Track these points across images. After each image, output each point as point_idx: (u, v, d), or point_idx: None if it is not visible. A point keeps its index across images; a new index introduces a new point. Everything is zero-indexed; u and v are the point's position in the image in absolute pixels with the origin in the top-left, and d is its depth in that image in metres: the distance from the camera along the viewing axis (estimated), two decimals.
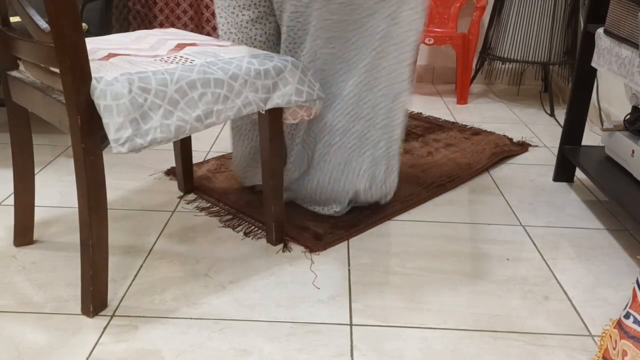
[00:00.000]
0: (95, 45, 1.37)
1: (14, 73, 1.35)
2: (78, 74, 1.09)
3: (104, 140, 1.16)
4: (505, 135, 2.47)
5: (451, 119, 2.72)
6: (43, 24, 1.15)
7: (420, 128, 2.53)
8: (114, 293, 1.34)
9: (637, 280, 1.07)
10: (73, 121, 1.13)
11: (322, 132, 1.60)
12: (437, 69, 3.38)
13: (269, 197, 1.52)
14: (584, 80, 1.96)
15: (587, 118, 2.18)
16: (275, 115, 1.43)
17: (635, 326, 1.03)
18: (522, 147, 2.36)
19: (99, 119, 1.13)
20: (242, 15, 1.53)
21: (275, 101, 1.37)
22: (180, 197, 1.83)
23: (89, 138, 1.15)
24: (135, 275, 1.42)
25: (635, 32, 1.55)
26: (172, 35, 1.52)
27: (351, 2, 1.44)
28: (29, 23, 1.17)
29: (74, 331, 1.22)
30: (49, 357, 1.14)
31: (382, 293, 1.39)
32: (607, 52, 1.70)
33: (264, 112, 1.41)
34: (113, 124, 1.12)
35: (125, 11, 2.99)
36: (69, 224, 1.65)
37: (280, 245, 1.57)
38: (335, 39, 1.49)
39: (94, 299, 1.25)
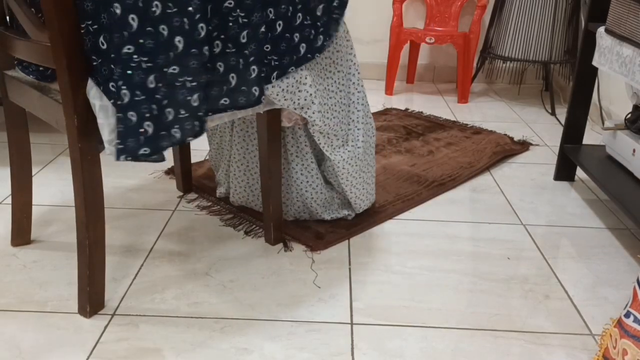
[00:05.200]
0: None
1: (11, 72, 1.35)
2: (74, 73, 1.09)
3: (102, 141, 1.15)
4: (506, 134, 2.47)
5: (452, 118, 2.72)
6: (39, 22, 1.15)
7: (421, 127, 2.53)
8: (114, 292, 1.34)
9: (638, 279, 1.06)
10: (70, 121, 1.13)
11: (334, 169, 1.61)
12: (438, 68, 3.38)
13: (266, 197, 1.52)
14: (585, 79, 1.95)
15: (588, 117, 2.18)
16: (274, 115, 1.43)
17: (635, 325, 1.03)
18: (523, 146, 2.36)
19: (95, 119, 1.13)
20: None
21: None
22: (181, 196, 1.83)
23: (86, 138, 1.14)
24: (136, 274, 1.42)
25: (636, 31, 1.55)
26: None
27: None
28: (25, 22, 1.17)
29: (75, 330, 1.22)
30: (50, 356, 1.14)
31: (383, 292, 1.39)
32: (608, 51, 1.70)
33: (262, 112, 1.41)
34: (108, 125, 1.11)
35: None
36: (69, 222, 1.65)
37: (281, 244, 1.57)
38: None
39: (91, 299, 1.25)
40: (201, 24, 1.11)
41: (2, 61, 1.34)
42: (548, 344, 1.23)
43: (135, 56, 1.06)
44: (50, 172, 1.98)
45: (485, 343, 1.23)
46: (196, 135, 1.19)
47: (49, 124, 2.42)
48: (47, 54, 1.11)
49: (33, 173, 1.51)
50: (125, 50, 1.05)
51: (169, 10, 1.06)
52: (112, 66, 1.06)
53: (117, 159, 1.11)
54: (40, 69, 1.30)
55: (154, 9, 1.05)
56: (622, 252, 1.60)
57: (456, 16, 3.11)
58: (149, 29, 1.06)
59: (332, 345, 1.20)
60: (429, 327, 1.27)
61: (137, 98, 1.09)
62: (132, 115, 1.09)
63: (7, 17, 1.31)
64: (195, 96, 1.15)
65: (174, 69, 1.11)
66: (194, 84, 1.14)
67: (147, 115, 1.11)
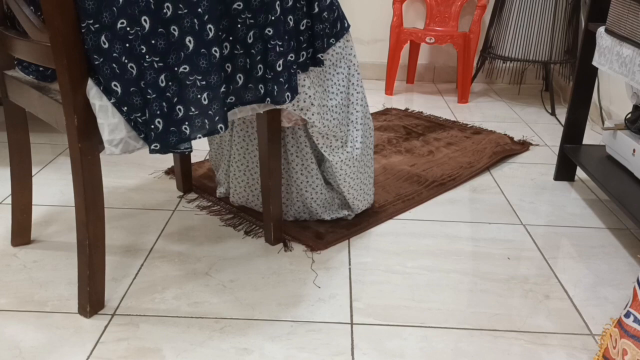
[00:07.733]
0: None
1: (11, 72, 1.35)
2: (74, 73, 1.09)
3: (102, 141, 1.16)
4: (506, 134, 2.47)
5: (452, 118, 2.72)
6: (39, 22, 1.15)
7: (421, 127, 2.53)
8: (114, 292, 1.35)
9: (638, 279, 1.07)
10: (70, 121, 1.13)
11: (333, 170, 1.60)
12: (438, 68, 3.38)
13: (266, 197, 1.52)
14: (585, 79, 1.95)
15: (588, 117, 2.18)
16: (274, 115, 1.43)
17: (635, 325, 1.03)
18: (523, 146, 2.36)
19: (95, 119, 1.13)
20: None
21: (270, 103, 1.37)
22: (181, 196, 1.83)
23: (86, 138, 1.14)
24: (136, 274, 1.42)
25: (636, 31, 1.55)
26: None
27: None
28: (25, 22, 1.17)
29: (75, 330, 1.22)
30: (50, 356, 1.14)
31: (383, 292, 1.39)
32: (608, 51, 1.70)
33: (262, 112, 1.41)
34: (107, 125, 1.12)
35: None
36: (70, 222, 1.65)
37: (281, 244, 1.57)
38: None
39: (91, 299, 1.25)
40: (209, 25, 1.15)
41: (2, 61, 1.35)
42: (548, 344, 1.23)
43: (147, 56, 1.10)
44: (50, 172, 1.98)
45: (485, 343, 1.23)
46: (207, 134, 1.22)
47: (49, 124, 2.42)
48: (47, 54, 1.11)
49: (33, 173, 1.51)
50: (139, 50, 1.09)
51: (180, 12, 1.11)
52: (117, 66, 1.08)
53: (154, 151, 1.16)
54: (40, 69, 1.30)
55: (165, 10, 1.09)
56: (622, 252, 1.60)
57: (456, 16, 3.11)
58: (160, 30, 1.10)
59: (332, 345, 1.20)
60: (429, 327, 1.27)
61: (148, 97, 1.12)
62: (145, 113, 1.13)
63: (7, 17, 1.31)
64: (205, 95, 1.19)
65: (184, 68, 1.14)
66: (203, 82, 1.18)
67: (158, 112, 1.14)
